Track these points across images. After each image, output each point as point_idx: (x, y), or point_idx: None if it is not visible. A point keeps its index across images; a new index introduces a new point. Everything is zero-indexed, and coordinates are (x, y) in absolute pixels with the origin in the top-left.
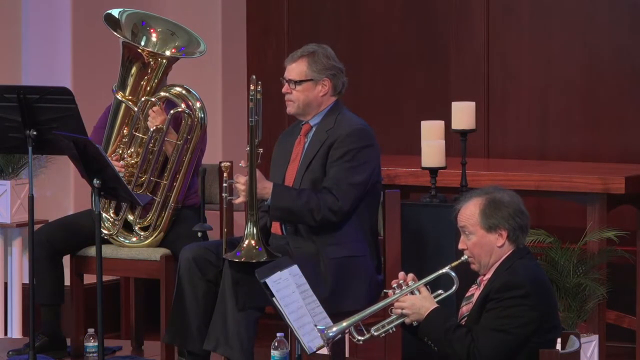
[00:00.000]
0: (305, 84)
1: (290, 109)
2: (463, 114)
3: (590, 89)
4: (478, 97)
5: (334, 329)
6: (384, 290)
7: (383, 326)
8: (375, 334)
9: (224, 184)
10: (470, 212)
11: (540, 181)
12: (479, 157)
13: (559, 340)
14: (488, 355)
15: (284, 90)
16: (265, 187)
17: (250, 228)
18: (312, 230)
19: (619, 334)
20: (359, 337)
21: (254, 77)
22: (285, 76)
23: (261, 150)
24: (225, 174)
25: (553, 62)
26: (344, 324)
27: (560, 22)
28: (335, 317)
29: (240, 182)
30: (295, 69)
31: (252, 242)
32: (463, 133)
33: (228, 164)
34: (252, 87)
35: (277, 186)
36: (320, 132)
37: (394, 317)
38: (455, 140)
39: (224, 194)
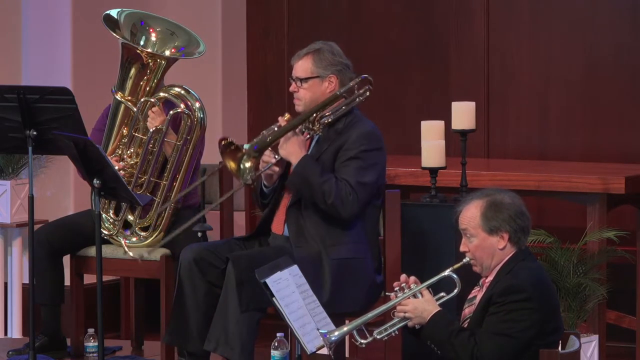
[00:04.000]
0: (311, 81)
1: (298, 107)
2: (463, 114)
3: (590, 89)
4: (478, 97)
5: (337, 333)
6: (386, 293)
7: (386, 329)
8: (378, 337)
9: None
10: (471, 214)
11: (541, 181)
12: (479, 157)
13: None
14: (491, 359)
15: (291, 89)
16: (299, 151)
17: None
18: (313, 230)
19: (619, 334)
20: (362, 341)
21: (366, 76)
22: (292, 75)
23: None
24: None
25: (553, 62)
26: (347, 327)
27: (560, 22)
28: (335, 318)
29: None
30: (301, 66)
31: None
32: (463, 133)
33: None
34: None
35: (308, 156)
36: (329, 133)
37: (396, 320)
38: (455, 140)
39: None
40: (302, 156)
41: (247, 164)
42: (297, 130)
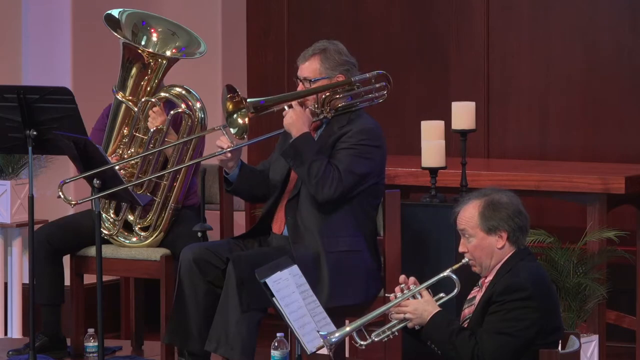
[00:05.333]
0: (319, 82)
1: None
2: (463, 114)
3: (590, 89)
4: (478, 97)
5: (337, 334)
6: (386, 294)
7: (384, 331)
8: (377, 339)
9: None
10: (469, 214)
11: (541, 181)
12: (479, 157)
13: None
14: (492, 358)
15: (299, 89)
16: (302, 126)
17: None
18: (310, 224)
19: (619, 334)
20: (362, 342)
21: (384, 72)
22: (298, 75)
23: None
24: None
25: (553, 62)
26: (347, 329)
27: (560, 22)
28: (335, 313)
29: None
30: (309, 67)
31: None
32: (463, 133)
33: None
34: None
35: (309, 133)
36: (332, 127)
37: (395, 322)
38: (455, 140)
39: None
40: (304, 132)
41: (240, 120)
42: (306, 109)
